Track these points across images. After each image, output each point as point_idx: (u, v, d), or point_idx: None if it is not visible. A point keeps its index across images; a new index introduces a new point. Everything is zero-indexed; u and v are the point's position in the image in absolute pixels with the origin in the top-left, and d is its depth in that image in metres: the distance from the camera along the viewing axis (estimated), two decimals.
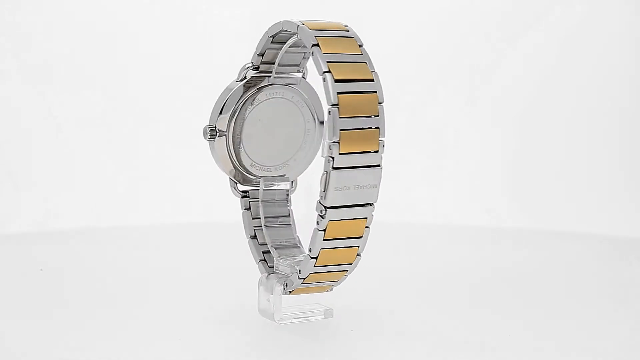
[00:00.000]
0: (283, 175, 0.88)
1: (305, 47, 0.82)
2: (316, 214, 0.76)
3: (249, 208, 0.87)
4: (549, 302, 0.92)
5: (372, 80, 0.76)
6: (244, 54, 0.87)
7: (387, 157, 0.77)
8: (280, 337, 0.80)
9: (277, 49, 0.84)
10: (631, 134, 1.51)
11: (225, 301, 0.90)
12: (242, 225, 0.87)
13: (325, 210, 0.75)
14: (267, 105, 0.86)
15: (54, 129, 1.46)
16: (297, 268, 0.80)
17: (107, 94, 1.48)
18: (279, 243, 0.86)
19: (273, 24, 0.81)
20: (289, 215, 0.88)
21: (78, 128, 1.47)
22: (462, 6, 1.53)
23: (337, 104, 0.73)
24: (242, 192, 0.88)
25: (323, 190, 0.74)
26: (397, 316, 0.86)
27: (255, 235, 0.87)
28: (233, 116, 0.85)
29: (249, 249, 0.87)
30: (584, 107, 1.52)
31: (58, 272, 1.03)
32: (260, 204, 0.87)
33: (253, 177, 0.87)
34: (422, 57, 1.53)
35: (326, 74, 0.74)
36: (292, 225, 0.88)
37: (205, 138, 0.85)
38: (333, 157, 0.73)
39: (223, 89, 0.85)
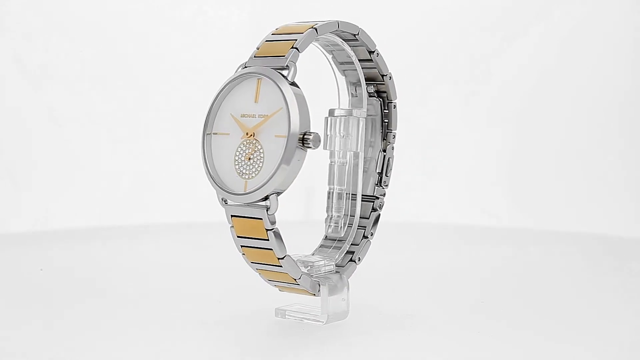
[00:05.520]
0: None
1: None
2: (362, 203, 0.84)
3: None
4: (548, 301, 0.92)
5: None
6: (245, 53, 0.84)
7: None
8: (285, 336, 0.80)
9: None
10: (630, 133, 1.51)
11: (227, 301, 0.90)
12: (276, 249, 0.75)
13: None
14: None
15: (54, 129, 1.47)
16: (347, 256, 0.83)
17: (107, 94, 1.49)
18: None
19: (327, 22, 0.78)
20: None
21: (78, 127, 1.47)
22: (459, 5, 1.54)
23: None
24: None
25: (386, 174, 0.85)
26: (396, 315, 0.86)
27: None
28: None
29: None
30: (582, 107, 1.52)
31: (58, 272, 1.04)
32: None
33: None
34: (419, 56, 1.53)
35: (390, 73, 0.85)
36: None
37: (316, 147, 0.73)
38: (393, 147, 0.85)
39: (299, 94, 0.74)
